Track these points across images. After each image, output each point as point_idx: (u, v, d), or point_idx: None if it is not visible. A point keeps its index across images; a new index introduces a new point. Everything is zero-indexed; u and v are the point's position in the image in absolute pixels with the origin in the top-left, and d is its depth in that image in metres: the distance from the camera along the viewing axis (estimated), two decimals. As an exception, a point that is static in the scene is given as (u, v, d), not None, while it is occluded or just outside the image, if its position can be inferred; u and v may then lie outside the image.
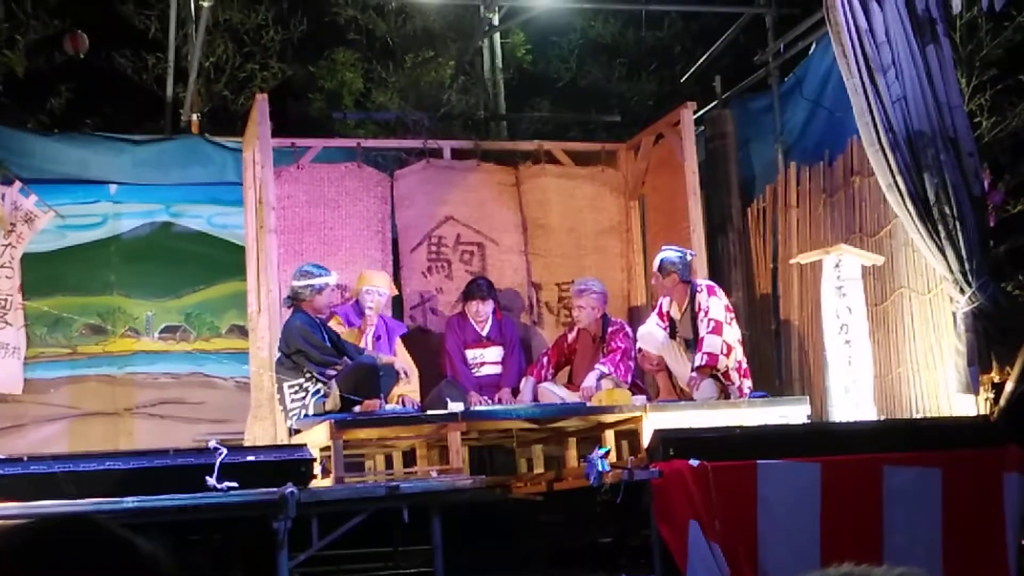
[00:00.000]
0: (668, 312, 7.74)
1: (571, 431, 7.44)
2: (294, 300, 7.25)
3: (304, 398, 7.01)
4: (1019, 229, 9.28)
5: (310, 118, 11.23)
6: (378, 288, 7.83)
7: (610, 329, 7.93)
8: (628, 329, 7.98)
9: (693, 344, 7.48)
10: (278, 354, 7.21)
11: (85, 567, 1.33)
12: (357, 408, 6.79)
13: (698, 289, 7.55)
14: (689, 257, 7.76)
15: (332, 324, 7.57)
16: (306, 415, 6.95)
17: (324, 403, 6.92)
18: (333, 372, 7.01)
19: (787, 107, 9.29)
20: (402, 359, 7.85)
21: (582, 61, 12.30)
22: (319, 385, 6.99)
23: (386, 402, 7.06)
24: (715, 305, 7.42)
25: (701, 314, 7.42)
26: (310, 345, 7.03)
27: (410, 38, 11.46)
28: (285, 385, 7.07)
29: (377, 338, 7.76)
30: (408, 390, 7.78)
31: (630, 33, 12.20)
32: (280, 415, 7.29)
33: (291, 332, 7.10)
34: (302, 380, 7.03)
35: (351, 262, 8.40)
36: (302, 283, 7.24)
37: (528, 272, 9.06)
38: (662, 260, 7.67)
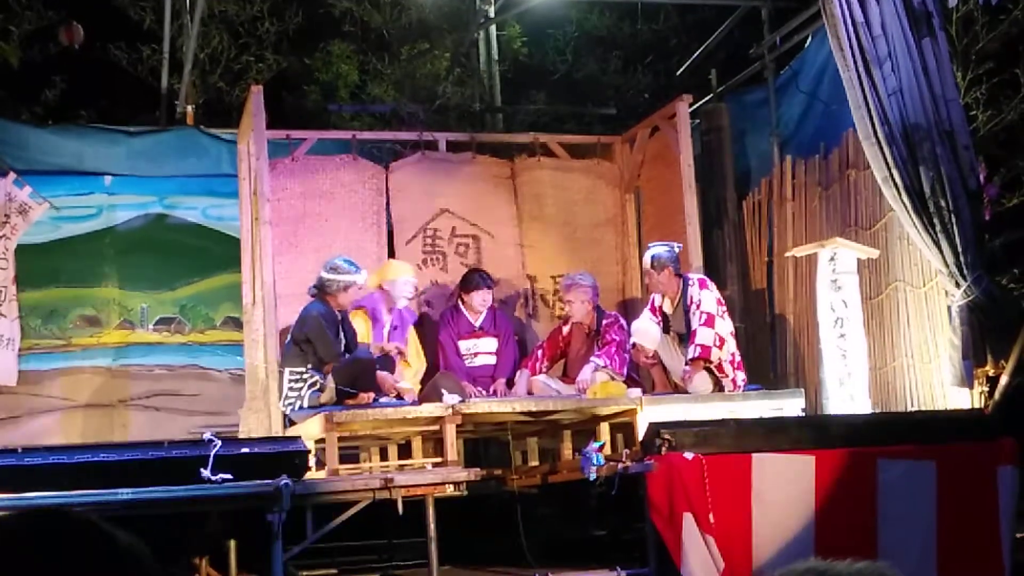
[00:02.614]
0: (660, 307, 7.74)
1: (566, 424, 7.44)
2: (319, 290, 7.26)
3: (301, 389, 7.01)
4: (1014, 223, 9.29)
5: (305, 110, 11.22)
6: (412, 280, 7.89)
7: (604, 322, 7.94)
8: (623, 321, 7.98)
9: (686, 338, 7.48)
10: (288, 337, 7.23)
11: (64, 561, 1.31)
12: (351, 402, 6.80)
13: (690, 283, 7.55)
14: (676, 250, 7.75)
15: (357, 320, 7.59)
16: (300, 407, 6.96)
17: (319, 396, 6.94)
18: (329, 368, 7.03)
19: (783, 100, 9.28)
20: (413, 349, 7.90)
21: (578, 54, 12.28)
22: (316, 378, 6.99)
23: (381, 395, 7.08)
24: (707, 298, 7.42)
25: (693, 307, 7.42)
26: (320, 339, 7.04)
27: (405, 30, 11.43)
28: (287, 370, 7.07)
29: (394, 328, 7.81)
30: (410, 378, 7.78)
31: (626, 26, 12.19)
32: (274, 404, 7.29)
33: (306, 319, 7.12)
34: (303, 370, 7.03)
35: (346, 254, 8.34)
36: (331, 276, 7.25)
37: (523, 265, 9.06)
38: (654, 256, 7.65)
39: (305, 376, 7.02)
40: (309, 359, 7.05)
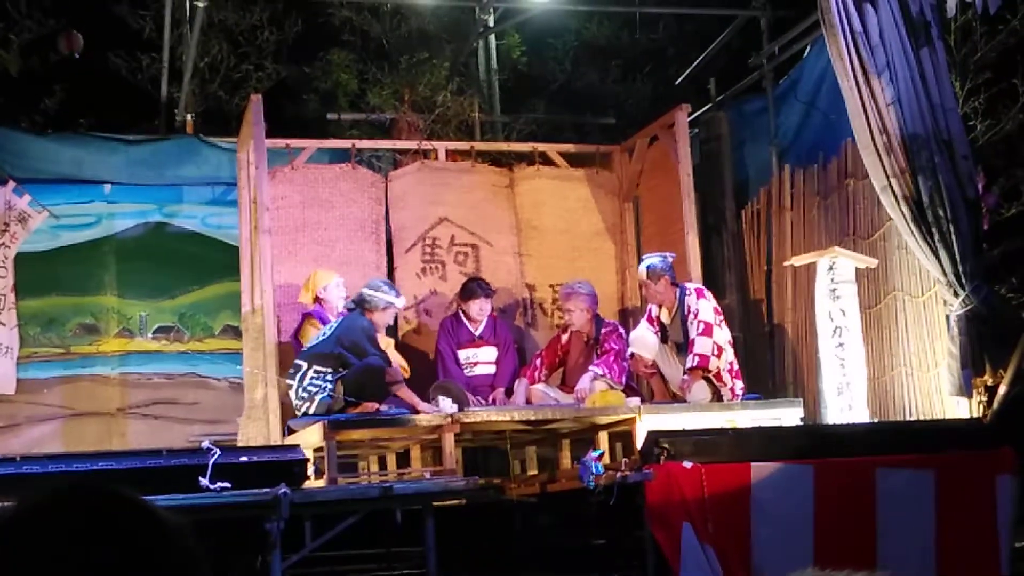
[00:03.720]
0: (658, 317, 7.74)
1: (565, 433, 7.44)
2: (361, 305, 7.22)
3: (316, 391, 6.93)
4: (1013, 232, 9.30)
5: (305, 119, 11.22)
6: (340, 280, 7.85)
7: (603, 331, 7.93)
8: (621, 330, 7.98)
9: (684, 348, 7.48)
10: (325, 335, 7.14)
11: (102, 539, 1.26)
12: (353, 411, 6.78)
13: (687, 292, 7.55)
14: (670, 259, 7.75)
15: (310, 329, 7.56)
16: (307, 412, 6.91)
17: (329, 404, 6.88)
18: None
19: (781, 110, 9.30)
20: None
21: (577, 63, 12.29)
22: (328, 386, 6.95)
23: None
24: (704, 307, 7.43)
25: (691, 316, 7.42)
26: (370, 344, 7.00)
27: (405, 39, 11.43)
28: (314, 367, 7.00)
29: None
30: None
31: (625, 35, 12.20)
32: (273, 412, 7.26)
33: (354, 328, 7.06)
34: (328, 371, 6.98)
35: (345, 263, 8.39)
36: (375, 294, 7.23)
37: (522, 273, 9.06)
38: (648, 267, 7.65)
39: (328, 378, 6.98)
40: (342, 363, 6.98)
